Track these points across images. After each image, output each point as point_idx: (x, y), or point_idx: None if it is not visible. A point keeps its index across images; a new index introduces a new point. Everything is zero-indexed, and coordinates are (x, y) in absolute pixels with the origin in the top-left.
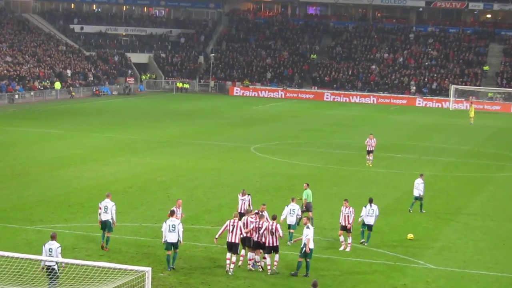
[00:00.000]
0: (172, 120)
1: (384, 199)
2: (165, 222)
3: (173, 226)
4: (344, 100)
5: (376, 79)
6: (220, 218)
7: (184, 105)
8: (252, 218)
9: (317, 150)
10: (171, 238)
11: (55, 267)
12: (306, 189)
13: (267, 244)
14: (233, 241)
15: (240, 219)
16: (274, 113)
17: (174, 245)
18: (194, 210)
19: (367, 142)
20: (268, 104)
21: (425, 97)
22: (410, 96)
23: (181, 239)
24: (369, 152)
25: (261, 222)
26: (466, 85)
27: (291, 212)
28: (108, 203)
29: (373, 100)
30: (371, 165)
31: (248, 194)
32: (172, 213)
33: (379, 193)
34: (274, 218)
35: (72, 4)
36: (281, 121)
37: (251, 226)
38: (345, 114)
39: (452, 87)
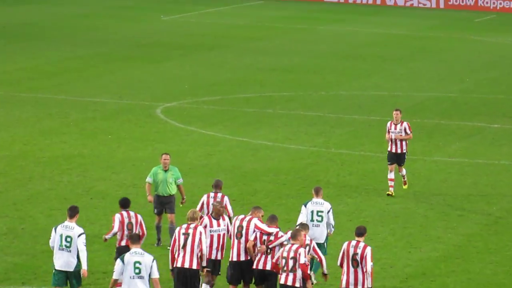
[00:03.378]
0: None
1: (469, 219)
2: (55, 230)
3: (68, 238)
4: (365, 2)
5: None
6: (90, 264)
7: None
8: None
9: (305, 115)
10: (63, 261)
11: None
12: (167, 170)
13: (257, 267)
14: (186, 266)
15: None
16: (209, 31)
17: (71, 277)
18: (29, 250)
19: (388, 133)
20: (196, 11)
21: None
22: None
23: (84, 265)
24: (394, 158)
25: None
26: None
27: (314, 216)
28: None
29: (437, 2)
30: (392, 193)
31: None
32: (72, 213)
33: (447, 212)
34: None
35: None
36: (224, 49)
37: (252, 236)
38: (370, 32)
39: None
